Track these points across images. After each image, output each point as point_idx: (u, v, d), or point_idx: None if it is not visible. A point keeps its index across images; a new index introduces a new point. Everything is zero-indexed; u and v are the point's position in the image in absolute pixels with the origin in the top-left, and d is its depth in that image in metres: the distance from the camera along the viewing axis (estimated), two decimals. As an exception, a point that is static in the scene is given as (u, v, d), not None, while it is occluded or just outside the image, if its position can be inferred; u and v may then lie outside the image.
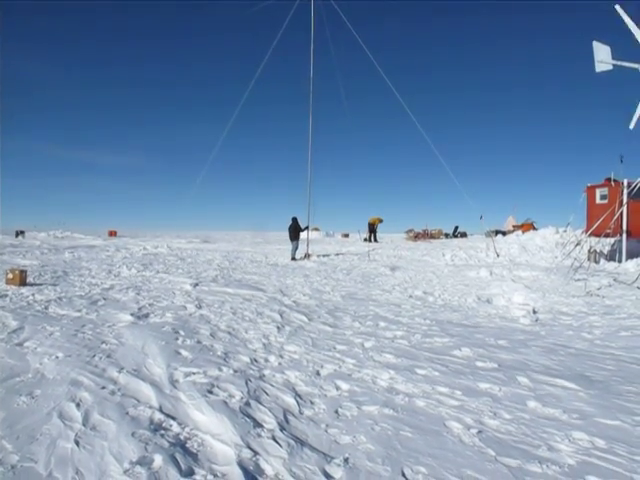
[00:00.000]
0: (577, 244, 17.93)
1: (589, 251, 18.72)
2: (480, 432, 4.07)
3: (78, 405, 4.35)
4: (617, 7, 13.63)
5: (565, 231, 24.73)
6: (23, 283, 10.89)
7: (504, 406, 4.67)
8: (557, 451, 3.75)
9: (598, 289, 12.80)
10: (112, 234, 43.03)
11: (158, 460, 3.40)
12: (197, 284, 12.28)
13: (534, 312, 9.86)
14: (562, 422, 4.32)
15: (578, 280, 14.02)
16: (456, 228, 44.79)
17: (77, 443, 3.64)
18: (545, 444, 3.86)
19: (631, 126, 14.30)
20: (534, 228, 35.49)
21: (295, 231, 22.04)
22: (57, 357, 5.75)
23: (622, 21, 13.71)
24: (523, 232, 32.88)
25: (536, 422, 4.31)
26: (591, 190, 21.77)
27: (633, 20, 13.56)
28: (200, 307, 9.26)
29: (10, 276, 10.90)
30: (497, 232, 36.05)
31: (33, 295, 9.72)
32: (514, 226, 40.33)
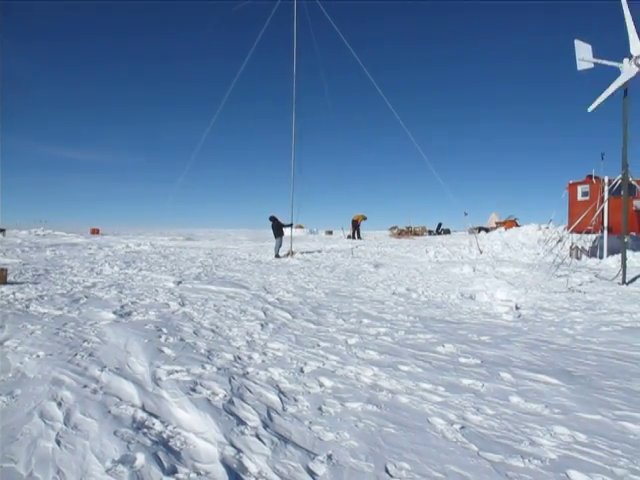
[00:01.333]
0: (559, 240, 18.05)
1: (571, 247, 18.89)
2: (463, 428, 4.09)
3: (59, 404, 4.30)
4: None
5: (547, 228, 24.91)
6: (3, 281, 10.75)
7: (487, 402, 4.70)
8: (539, 446, 3.78)
9: (580, 285, 12.94)
10: (94, 232, 42.67)
11: (141, 459, 3.36)
12: (180, 282, 12.22)
13: (516, 308, 9.94)
14: (544, 417, 4.36)
15: (560, 276, 14.15)
16: (439, 225, 45.02)
17: (58, 443, 3.60)
18: (527, 439, 3.89)
19: (589, 109, 14.51)
20: (517, 225, 35.78)
21: (278, 229, 21.99)
22: (38, 356, 5.69)
23: (619, 15, 13.75)
24: (506, 229, 33.16)
25: (518, 417, 4.34)
26: (573, 187, 21.96)
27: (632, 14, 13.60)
28: (183, 305, 9.22)
29: (-10, 274, 10.76)
30: (480, 229, 36.29)
31: (14, 293, 9.60)
32: (497, 223, 40.63)
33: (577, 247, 19.73)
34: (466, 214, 27.08)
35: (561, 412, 4.46)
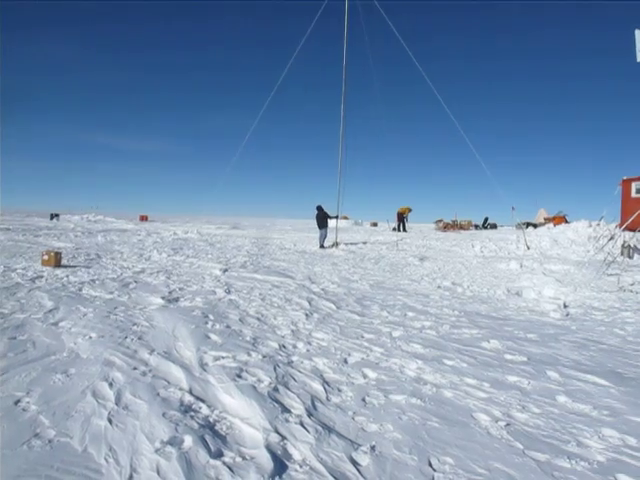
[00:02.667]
0: (610, 238, 17.54)
1: (623, 246, 18.32)
2: (508, 425, 4.04)
3: (111, 385, 4.45)
4: None
5: (598, 224, 24.20)
6: (58, 265, 11.14)
7: (533, 400, 4.63)
8: (586, 447, 3.71)
9: (631, 285, 12.54)
10: (143, 219, 43.71)
11: (188, 441, 3.46)
12: (226, 270, 12.40)
13: (565, 306, 9.72)
14: (592, 418, 4.27)
15: (611, 275, 13.75)
16: (486, 219, 44.37)
17: (110, 421, 3.73)
18: (574, 440, 3.82)
19: None
20: (566, 221, 34.89)
21: (324, 219, 22.00)
22: (90, 337, 5.89)
23: None
24: (555, 225, 32.35)
25: (565, 417, 4.26)
26: (627, 183, 21.32)
27: None
28: (229, 292, 9.36)
29: (46, 257, 11.16)
30: (528, 224, 35.57)
31: (67, 277, 9.93)
32: (545, 218, 39.74)
33: (630, 245, 19.11)
34: (513, 209, 26.58)
35: (610, 414, 4.36)
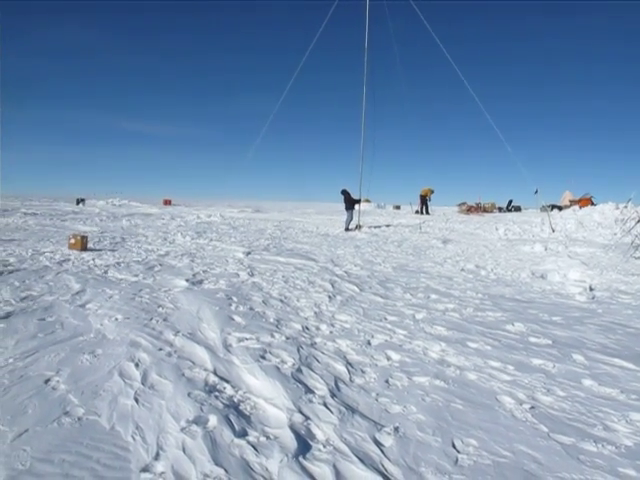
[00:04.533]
0: (638, 221, 17.18)
1: (651, 228, 17.95)
2: (533, 408, 4.02)
3: (137, 365, 4.52)
4: None
5: (626, 207, 23.72)
6: (84, 248, 11.29)
7: (558, 383, 4.59)
8: (613, 431, 3.67)
9: (660, 268, 12.30)
10: (167, 203, 44.02)
11: (213, 420, 3.50)
12: (249, 252, 12.46)
13: (591, 289, 9.59)
14: (619, 402, 4.22)
15: (638, 258, 13.52)
16: (510, 202, 43.72)
17: (137, 400, 3.79)
18: (601, 423, 3.78)
19: None
20: (592, 203, 34.24)
21: (350, 202, 22.10)
22: (117, 319, 5.97)
23: None
24: (580, 207, 31.79)
25: (591, 401, 4.22)
26: (656, 165, 20.80)
27: None
28: (252, 275, 9.41)
29: (72, 241, 11.33)
30: (553, 207, 35.03)
31: (93, 260, 10.07)
32: (571, 201, 39.02)
33: (658, 228, 18.72)
34: (537, 192, 26.05)
35: (638, 398, 4.30)
